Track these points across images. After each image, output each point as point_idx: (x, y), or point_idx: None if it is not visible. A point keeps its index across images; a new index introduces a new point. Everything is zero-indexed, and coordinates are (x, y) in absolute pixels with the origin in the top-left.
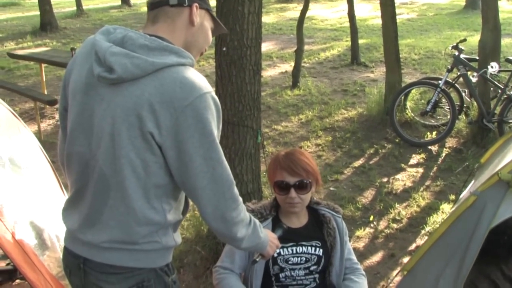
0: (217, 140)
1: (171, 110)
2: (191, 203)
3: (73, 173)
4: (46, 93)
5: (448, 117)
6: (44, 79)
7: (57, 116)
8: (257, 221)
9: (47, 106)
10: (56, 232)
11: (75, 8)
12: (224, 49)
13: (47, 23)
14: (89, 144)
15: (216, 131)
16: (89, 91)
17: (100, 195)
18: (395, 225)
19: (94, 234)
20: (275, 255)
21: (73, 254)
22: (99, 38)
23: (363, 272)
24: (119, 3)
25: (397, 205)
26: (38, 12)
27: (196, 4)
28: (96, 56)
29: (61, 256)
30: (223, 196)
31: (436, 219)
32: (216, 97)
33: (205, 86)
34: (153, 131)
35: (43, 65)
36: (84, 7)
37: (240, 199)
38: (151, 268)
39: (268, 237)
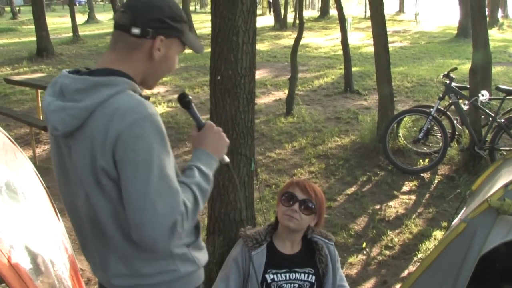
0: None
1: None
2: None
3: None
4: (42, 118)
5: (440, 144)
6: (40, 105)
7: None
8: (195, 188)
9: (43, 132)
10: (51, 257)
11: (71, 34)
12: (219, 77)
13: (43, 49)
14: (71, 193)
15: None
16: (58, 141)
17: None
18: (387, 252)
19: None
20: (269, 280)
21: None
22: (46, 93)
23: None
24: None
25: (389, 232)
26: (34, 38)
27: (161, 37)
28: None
29: (56, 282)
30: None
31: (429, 246)
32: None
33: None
34: (105, 166)
35: (39, 91)
36: (80, 33)
37: None
38: None
39: (209, 154)
